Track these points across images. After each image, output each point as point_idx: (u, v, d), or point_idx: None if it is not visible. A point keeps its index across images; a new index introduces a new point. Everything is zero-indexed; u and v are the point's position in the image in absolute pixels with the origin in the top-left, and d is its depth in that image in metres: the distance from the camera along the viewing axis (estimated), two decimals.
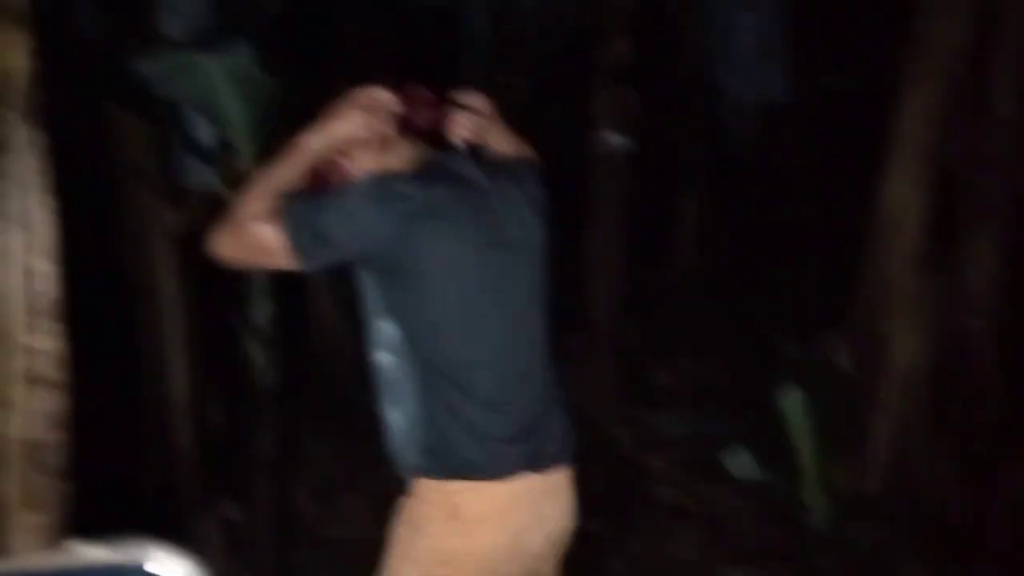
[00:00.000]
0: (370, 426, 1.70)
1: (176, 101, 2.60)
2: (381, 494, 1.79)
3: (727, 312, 5.06)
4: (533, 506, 1.59)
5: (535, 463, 1.58)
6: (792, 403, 2.61)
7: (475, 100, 1.71)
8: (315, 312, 4.19)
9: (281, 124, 3.00)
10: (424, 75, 1.79)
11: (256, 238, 1.44)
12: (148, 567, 0.32)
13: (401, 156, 1.60)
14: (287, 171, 1.51)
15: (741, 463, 2.72)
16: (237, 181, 2.96)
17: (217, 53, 2.35)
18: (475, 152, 1.70)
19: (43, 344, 0.84)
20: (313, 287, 4.12)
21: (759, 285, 5.22)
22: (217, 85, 2.38)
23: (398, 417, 1.56)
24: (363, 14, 4.46)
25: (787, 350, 2.81)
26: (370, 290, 1.56)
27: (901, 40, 2.80)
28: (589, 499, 3.81)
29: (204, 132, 2.88)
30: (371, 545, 1.67)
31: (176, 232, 2.88)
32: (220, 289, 3.24)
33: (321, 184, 1.56)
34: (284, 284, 3.43)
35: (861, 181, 3.83)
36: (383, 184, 1.49)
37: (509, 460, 1.55)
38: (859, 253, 3.13)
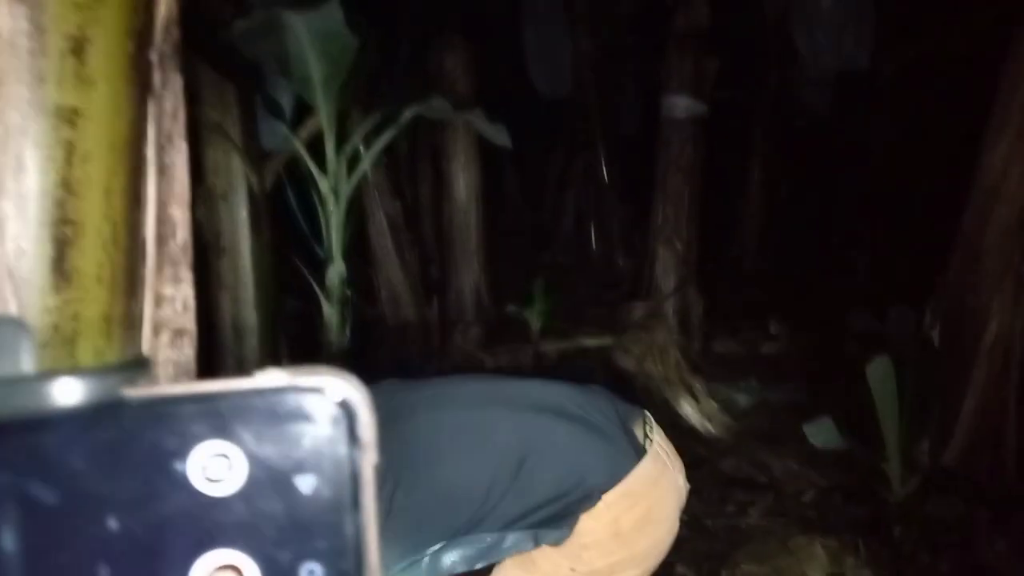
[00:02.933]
0: None
1: (260, 61, 2.61)
2: None
3: (798, 282, 4.94)
4: (661, 484, 1.59)
5: (637, 446, 1.58)
6: (878, 374, 2.54)
7: None
8: (383, 276, 4.21)
9: (360, 86, 3.01)
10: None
11: None
12: (329, 391, 0.31)
13: None
14: None
15: (822, 433, 2.66)
16: (315, 141, 2.98)
17: (306, 12, 2.35)
18: None
19: (176, 292, 0.84)
20: (381, 252, 4.14)
21: (832, 256, 5.08)
22: (302, 44, 2.38)
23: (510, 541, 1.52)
24: None
25: (873, 322, 2.72)
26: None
27: (1010, 4, 2.65)
28: None
29: (285, 93, 2.90)
30: None
31: (256, 192, 2.90)
32: (296, 250, 3.28)
33: None
34: (355, 248, 3.46)
35: (946, 152, 3.69)
36: None
37: (617, 457, 1.54)
38: (945, 224, 3.02)
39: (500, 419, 1.53)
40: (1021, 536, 2.72)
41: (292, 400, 0.31)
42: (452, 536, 1.46)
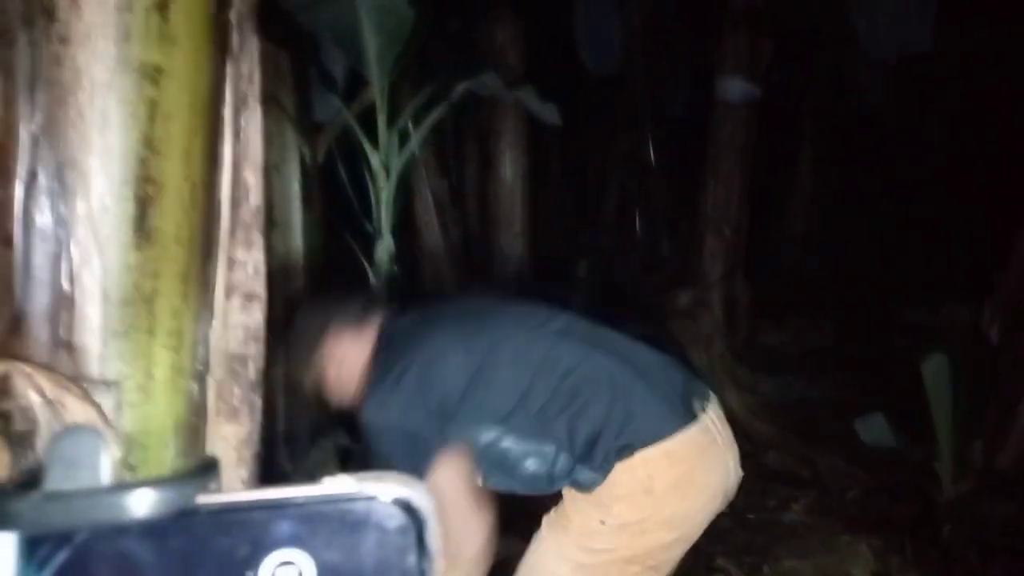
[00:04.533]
0: None
1: (315, 32, 2.61)
2: None
3: (848, 274, 4.84)
4: (706, 455, 1.59)
5: (689, 413, 1.58)
6: (934, 371, 2.47)
7: None
8: (427, 254, 4.21)
9: (413, 60, 3.00)
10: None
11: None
12: (398, 499, 0.30)
13: None
14: None
15: (874, 430, 2.60)
16: (366, 115, 2.98)
17: None
18: None
19: (247, 256, 0.83)
20: (426, 230, 4.15)
21: (884, 249, 4.96)
22: (358, 15, 2.37)
23: (533, 466, 1.58)
24: None
25: (927, 317, 2.64)
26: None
27: None
28: None
29: (338, 66, 2.89)
30: None
31: (308, 164, 2.91)
32: (345, 224, 3.29)
33: None
34: (402, 224, 3.47)
35: (1008, 142, 3.56)
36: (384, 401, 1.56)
37: (666, 416, 1.56)
38: (1006, 218, 2.92)
39: (572, 349, 1.60)
40: None
41: (360, 508, 0.31)
42: (507, 426, 1.56)
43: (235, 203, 0.84)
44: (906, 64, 4.98)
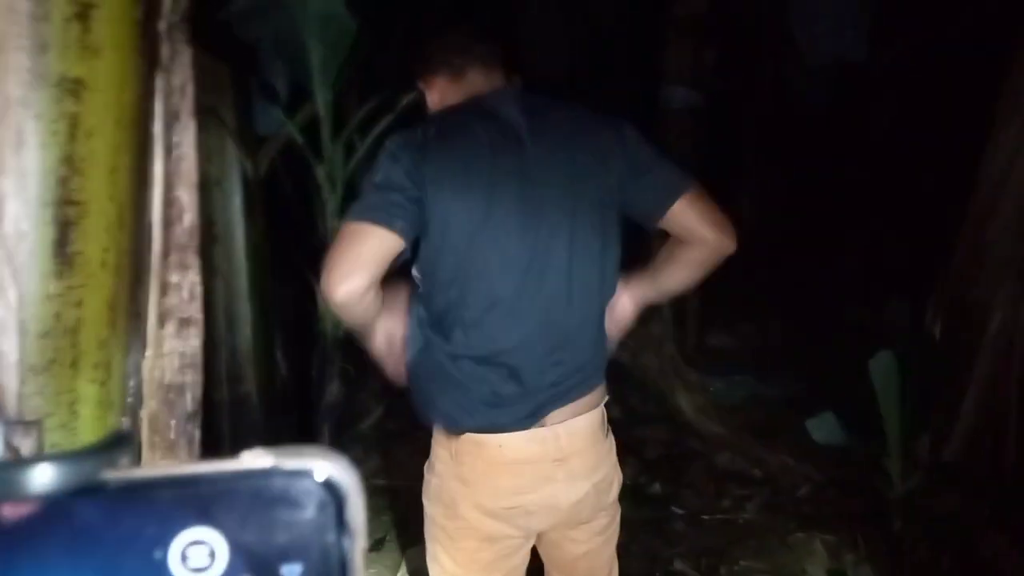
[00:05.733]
0: None
1: (256, 44, 2.55)
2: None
3: (793, 276, 4.92)
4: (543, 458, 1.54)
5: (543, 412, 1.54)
6: (881, 368, 2.52)
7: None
8: None
9: (357, 71, 2.95)
10: (488, 27, 1.75)
11: (341, 242, 1.43)
12: (317, 474, 0.29)
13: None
14: None
15: (825, 428, 2.64)
16: (310, 127, 2.93)
17: None
18: (526, 96, 1.62)
19: (182, 279, 0.79)
20: None
21: (827, 249, 5.07)
22: (300, 26, 2.32)
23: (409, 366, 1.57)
24: None
25: (871, 315, 2.69)
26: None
27: None
28: (650, 463, 3.77)
29: (280, 78, 2.84)
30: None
31: (251, 178, 2.84)
32: (290, 236, 3.23)
33: None
34: None
35: (947, 143, 3.66)
36: (403, 133, 1.52)
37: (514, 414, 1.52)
38: (943, 217, 3.00)
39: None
40: (1022, 530, 2.72)
41: (278, 484, 0.30)
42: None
43: (168, 223, 0.80)
44: (847, 67, 5.10)
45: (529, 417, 1.50)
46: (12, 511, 0.28)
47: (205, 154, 2.91)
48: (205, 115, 2.77)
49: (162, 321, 0.85)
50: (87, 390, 0.64)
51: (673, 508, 3.35)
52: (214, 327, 3.03)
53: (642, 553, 2.94)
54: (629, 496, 3.37)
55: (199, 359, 0.88)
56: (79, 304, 0.68)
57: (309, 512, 0.30)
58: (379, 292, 1.47)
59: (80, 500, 0.29)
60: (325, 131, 2.85)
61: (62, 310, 0.67)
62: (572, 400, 1.54)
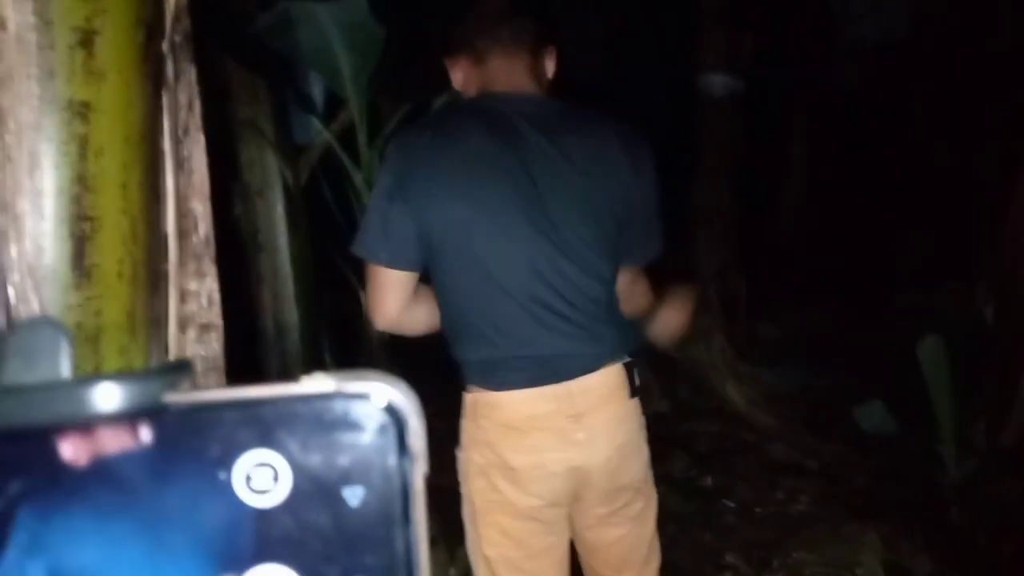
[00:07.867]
0: None
1: (289, 55, 2.61)
2: None
3: (840, 263, 4.83)
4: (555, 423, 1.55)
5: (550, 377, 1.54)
6: (930, 353, 2.46)
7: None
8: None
9: (390, 76, 3.00)
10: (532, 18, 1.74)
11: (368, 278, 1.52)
12: (378, 398, 0.30)
13: None
14: None
15: (874, 416, 2.59)
16: (347, 134, 2.98)
17: (329, 4, 2.34)
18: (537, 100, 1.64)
19: (200, 287, 0.82)
20: None
21: (875, 235, 4.95)
22: (330, 36, 2.37)
23: None
24: None
25: (922, 300, 2.63)
26: None
27: None
28: (701, 456, 3.73)
29: (315, 87, 2.90)
30: None
31: (292, 187, 2.91)
32: (333, 242, 3.29)
33: None
34: None
35: (994, 123, 3.55)
36: (399, 135, 1.60)
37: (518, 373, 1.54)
38: (993, 198, 2.91)
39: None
40: None
41: (339, 407, 0.30)
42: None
43: (183, 234, 0.83)
44: (888, 50, 4.98)
45: (541, 375, 1.53)
46: (76, 430, 0.29)
47: (247, 165, 3.00)
48: (244, 127, 2.87)
49: (183, 327, 0.89)
50: None
51: (725, 501, 3.31)
52: (263, 334, 3.11)
53: (693, 547, 2.92)
54: (680, 490, 3.38)
55: (221, 363, 0.91)
56: (98, 313, 0.72)
57: (370, 436, 0.30)
58: (419, 303, 1.55)
59: (142, 421, 0.29)
60: (361, 137, 2.90)
61: (83, 319, 0.71)
62: (584, 356, 1.56)
